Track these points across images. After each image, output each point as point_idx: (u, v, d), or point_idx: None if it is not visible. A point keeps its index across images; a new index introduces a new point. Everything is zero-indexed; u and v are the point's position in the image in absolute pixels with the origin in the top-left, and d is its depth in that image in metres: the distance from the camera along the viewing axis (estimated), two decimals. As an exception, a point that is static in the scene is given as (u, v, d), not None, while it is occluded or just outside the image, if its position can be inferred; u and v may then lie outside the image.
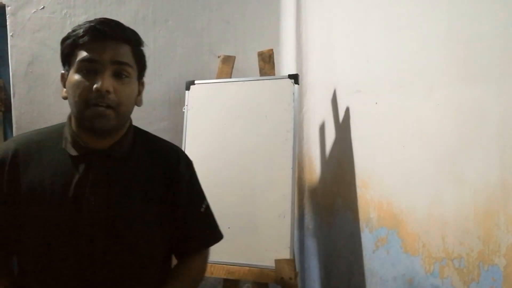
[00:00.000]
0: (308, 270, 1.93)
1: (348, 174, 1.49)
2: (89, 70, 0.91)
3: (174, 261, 1.11)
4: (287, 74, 1.64)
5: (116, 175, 0.96)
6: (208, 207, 1.11)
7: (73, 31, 0.94)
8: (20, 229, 0.94)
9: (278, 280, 1.46)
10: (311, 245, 1.88)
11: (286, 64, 2.12)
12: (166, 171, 1.02)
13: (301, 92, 1.92)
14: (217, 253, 1.54)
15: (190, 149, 1.70)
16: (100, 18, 0.94)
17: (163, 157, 1.04)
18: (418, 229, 1.10)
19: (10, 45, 1.92)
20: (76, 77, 0.91)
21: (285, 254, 1.48)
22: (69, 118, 1.00)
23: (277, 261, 1.46)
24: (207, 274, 1.57)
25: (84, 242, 0.93)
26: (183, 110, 1.77)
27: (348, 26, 1.50)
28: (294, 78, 1.61)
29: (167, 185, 1.02)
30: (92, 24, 0.92)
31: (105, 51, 0.92)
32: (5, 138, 2.12)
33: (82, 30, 0.92)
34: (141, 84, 1.03)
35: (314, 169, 1.84)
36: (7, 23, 1.91)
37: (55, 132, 1.01)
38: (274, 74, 1.71)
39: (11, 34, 1.91)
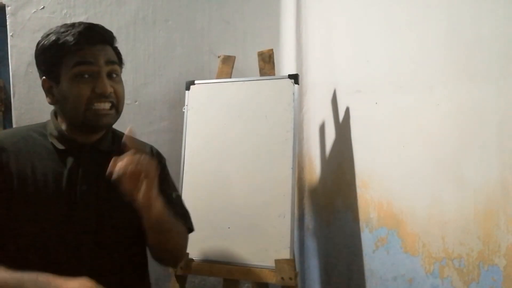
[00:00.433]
0: (308, 270, 1.93)
1: (348, 174, 1.49)
2: (87, 73, 0.97)
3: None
4: (287, 74, 1.63)
5: (103, 166, 1.00)
6: (179, 197, 1.20)
7: (58, 39, 0.98)
8: (14, 220, 0.97)
9: (278, 280, 1.46)
10: (311, 245, 1.88)
11: (286, 64, 2.12)
12: None
13: (301, 92, 1.92)
14: (217, 253, 1.55)
15: (190, 149, 1.70)
16: (83, 23, 1.01)
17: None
18: (418, 229, 1.10)
19: (10, 45, 1.91)
20: (75, 82, 0.98)
21: (285, 254, 1.48)
22: (54, 115, 1.06)
23: (277, 261, 1.46)
24: (207, 274, 1.58)
25: (78, 227, 1.00)
26: (183, 110, 1.77)
27: (348, 26, 1.50)
28: (294, 78, 1.61)
29: None
30: (79, 30, 0.98)
31: (100, 54, 0.99)
32: (5, 138, 2.11)
33: (70, 37, 0.97)
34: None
35: (314, 169, 1.84)
36: (7, 23, 1.91)
37: (38, 128, 1.07)
38: (274, 74, 1.71)
39: (11, 34, 1.91)
